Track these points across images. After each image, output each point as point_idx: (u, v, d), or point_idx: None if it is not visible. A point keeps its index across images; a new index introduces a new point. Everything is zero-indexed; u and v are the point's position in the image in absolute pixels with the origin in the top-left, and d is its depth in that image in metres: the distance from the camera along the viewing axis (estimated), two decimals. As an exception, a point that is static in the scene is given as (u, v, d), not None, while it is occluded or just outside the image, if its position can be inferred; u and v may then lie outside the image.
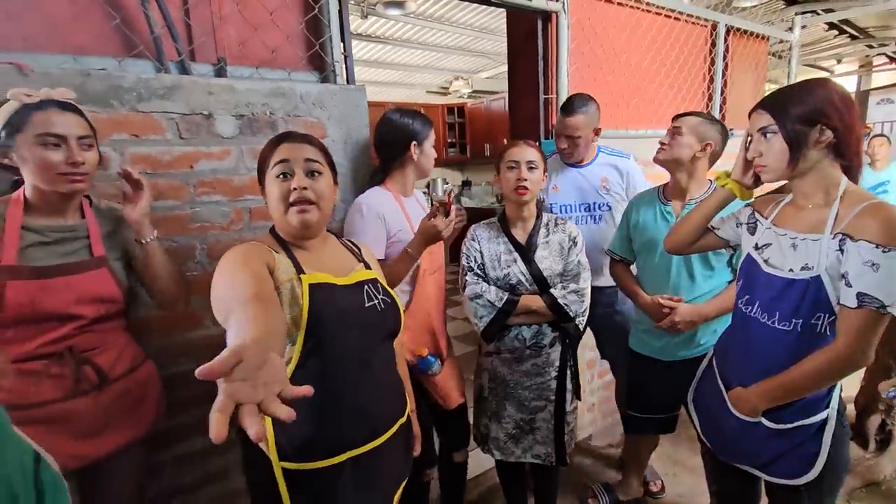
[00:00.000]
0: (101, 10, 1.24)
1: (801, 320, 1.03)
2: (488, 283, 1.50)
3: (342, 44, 1.59)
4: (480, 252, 1.52)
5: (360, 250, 1.17)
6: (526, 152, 1.45)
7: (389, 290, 1.10)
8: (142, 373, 1.18)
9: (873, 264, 0.93)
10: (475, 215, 1.72)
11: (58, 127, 0.99)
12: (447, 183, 1.52)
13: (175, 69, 1.35)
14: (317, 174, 1.01)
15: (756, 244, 1.15)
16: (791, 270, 1.05)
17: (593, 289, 1.57)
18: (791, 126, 1.02)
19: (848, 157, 1.03)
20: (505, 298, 1.45)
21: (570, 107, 1.81)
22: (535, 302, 1.46)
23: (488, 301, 1.45)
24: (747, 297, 1.15)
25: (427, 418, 1.49)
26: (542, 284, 1.48)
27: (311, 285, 0.95)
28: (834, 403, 1.09)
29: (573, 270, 1.50)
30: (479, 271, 1.51)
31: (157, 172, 1.28)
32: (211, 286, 0.91)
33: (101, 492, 1.11)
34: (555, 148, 2.00)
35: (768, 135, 1.06)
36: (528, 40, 2.24)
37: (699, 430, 1.36)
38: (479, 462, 2.12)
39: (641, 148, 2.37)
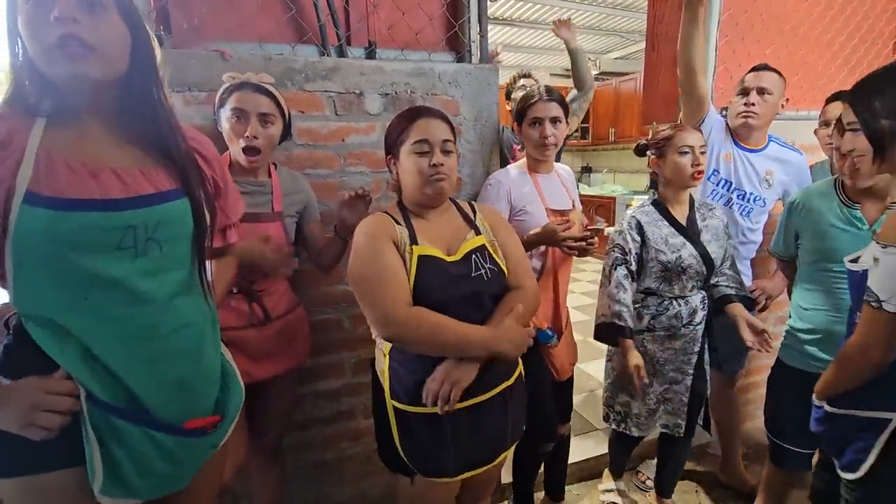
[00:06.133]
0: (281, 2, 1.44)
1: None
2: (639, 272, 1.52)
3: (479, 24, 1.65)
4: (640, 241, 1.49)
5: (475, 213, 1.20)
6: (698, 137, 1.47)
7: (496, 256, 1.13)
8: (296, 315, 1.38)
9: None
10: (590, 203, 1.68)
11: (242, 103, 1.20)
12: (602, 221, 1.48)
13: (334, 53, 1.52)
14: (449, 152, 1.09)
15: None
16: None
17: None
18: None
19: None
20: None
21: (760, 65, 1.71)
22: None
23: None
24: None
25: (546, 391, 1.50)
26: (710, 266, 1.50)
27: (420, 257, 1.04)
28: None
29: (728, 255, 1.58)
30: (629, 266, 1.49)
31: (316, 144, 1.47)
32: (352, 254, 1.04)
33: (262, 405, 1.35)
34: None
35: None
36: (671, 12, 2.09)
37: None
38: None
39: (802, 131, 2.09)
